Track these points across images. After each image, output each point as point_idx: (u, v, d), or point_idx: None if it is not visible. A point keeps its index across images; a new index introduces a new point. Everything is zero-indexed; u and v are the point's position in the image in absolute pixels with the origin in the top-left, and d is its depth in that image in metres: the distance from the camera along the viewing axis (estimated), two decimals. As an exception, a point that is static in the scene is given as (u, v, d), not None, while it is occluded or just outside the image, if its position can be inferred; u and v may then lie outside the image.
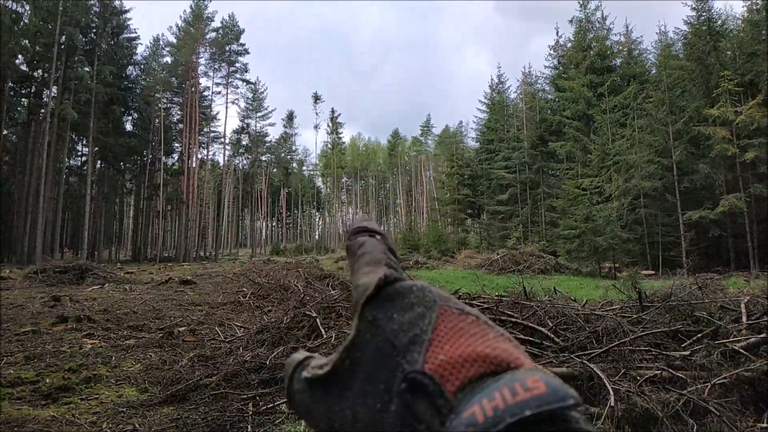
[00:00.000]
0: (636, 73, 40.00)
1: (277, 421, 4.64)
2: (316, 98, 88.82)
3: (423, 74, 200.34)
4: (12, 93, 43.84)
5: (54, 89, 43.30)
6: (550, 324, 6.86)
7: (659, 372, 5.06)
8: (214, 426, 4.58)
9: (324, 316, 7.02)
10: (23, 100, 46.73)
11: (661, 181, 29.09)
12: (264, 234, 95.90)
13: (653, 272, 26.18)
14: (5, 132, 44.76)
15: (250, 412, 4.82)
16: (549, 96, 50.51)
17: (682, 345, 6.08)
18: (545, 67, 55.99)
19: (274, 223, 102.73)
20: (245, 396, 5.22)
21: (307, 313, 7.12)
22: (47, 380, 6.00)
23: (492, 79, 71.18)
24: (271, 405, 4.93)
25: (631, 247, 28.13)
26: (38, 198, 39.84)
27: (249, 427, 4.52)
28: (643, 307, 7.46)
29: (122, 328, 9.82)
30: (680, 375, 5.05)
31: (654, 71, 39.29)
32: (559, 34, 71.84)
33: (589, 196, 29.85)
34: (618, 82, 39.15)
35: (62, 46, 42.87)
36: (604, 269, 26.40)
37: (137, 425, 4.62)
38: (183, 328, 9.50)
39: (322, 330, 6.47)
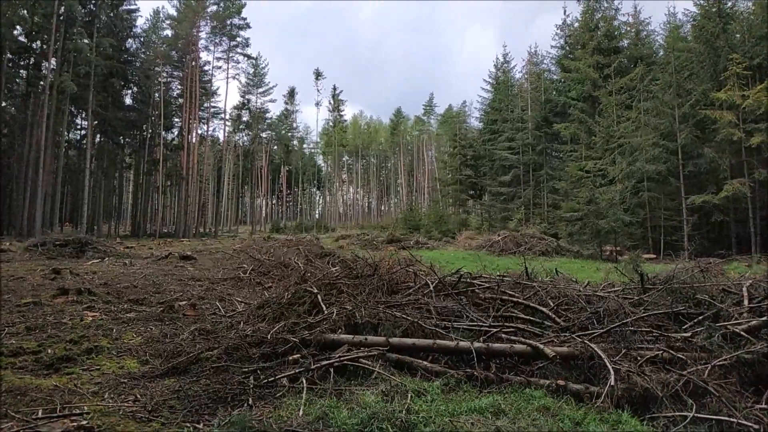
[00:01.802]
0: (643, 54, 39.49)
1: (278, 395, 4.65)
2: (318, 75, 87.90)
3: (426, 52, 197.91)
4: (10, 64, 43.35)
5: (53, 61, 42.80)
6: (551, 304, 6.88)
7: (660, 353, 5.07)
8: (215, 398, 4.60)
9: (325, 293, 7.02)
10: (22, 71, 46.24)
11: (666, 165, 28.93)
12: (264, 211, 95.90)
13: (654, 256, 26.22)
14: (4, 104, 44.40)
15: (251, 385, 4.83)
16: (554, 76, 49.99)
17: (683, 327, 6.10)
18: (551, 47, 55.28)
19: (274, 201, 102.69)
20: (246, 369, 5.23)
21: (308, 289, 7.12)
22: (49, 351, 6.01)
23: (497, 59, 70.34)
24: (272, 378, 4.95)
25: (633, 231, 28.10)
26: (38, 171, 39.69)
27: (250, 399, 4.53)
28: (644, 289, 7.47)
29: (123, 301, 9.84)
30: (681, 356, 5.07)
31: (661, 53, 38.82)
32: (567, 14, 70.97)
33: (592, 179, 29.72)
34: (625, 64, 38.66)
35: (61, 18, 42.22)
36: (606, 252, 26.45)
37: (138, 396, 4.64)
38: (183, 303, 9.52)
39: (324, 306, 6.48)
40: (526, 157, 46.80)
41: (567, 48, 47.02)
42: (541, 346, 5.19)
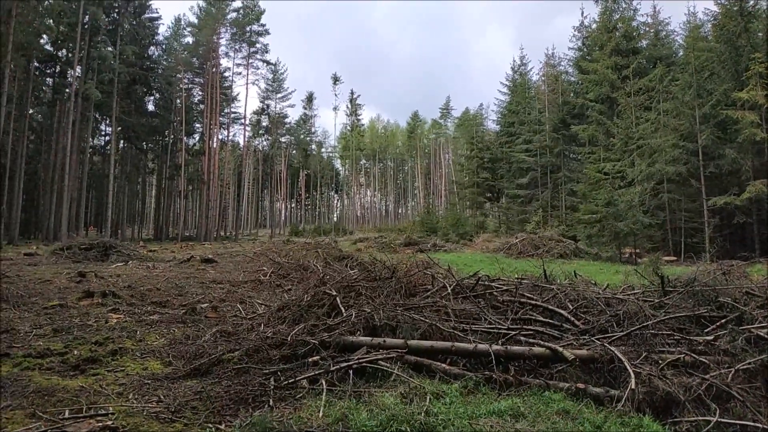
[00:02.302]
0: (662, 55, 38.93)
1: (298, 396, 4.71)
2: (335, 79, 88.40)
3: (442, 52, 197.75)
4: (37, 73, 44.43)
5: (78, 69, 43.77)
6: (570, 307, 6.83)
7: (681, 356, 5.02)
8: (236, 399, 4.67)
9: (344, 295, 7.08)
10: (48, 79, 47.38)
11: (686, 166, 28.46)
12: (283, 215, 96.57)
13: (675, 258, 25.79)
14: (31, 111, 45.45)
15: (272, 387, 4.90)
16: (572, 78, 49.52)
17: (706, 330, 6.01)
18: (569, 48, 54.99)
19: (293, 205, 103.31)
20: (267, 371, 5.31)
21: (327, 291, 7.19)
22: (75, 352, 6.16)
23: (514, 61, 70.22)
24: (293, 380, 5.01)
25: (653, 233, 27.67)
26: (63, 176, 40.57)
27: (270, 400, 4.59)
28: (665, 291, 7.38)
29: (146, 303, 10.02)
30: (703, 360, 5.01)
31: (681, 53, 38.21)
32: (584, 15, 70.16)
33: (611, 181, 29.34)
34: (644, 65, 38.13)
35: (85, 26, 43.20)
36: (625, 255, 26.09)
37: (162, 396, 4.73)
38: (205, 305, 9.66)
39: (342, 308, 6.53)
40: (543, 160, 46.43)
41: (585, 49, 46.56)
42: (561, 349, 5.17)
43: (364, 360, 5.22)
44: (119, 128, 51.38)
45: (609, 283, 10.64)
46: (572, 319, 6.47)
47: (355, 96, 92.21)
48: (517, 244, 28.74)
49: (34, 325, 7.73)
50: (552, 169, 46.07)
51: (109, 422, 4.01)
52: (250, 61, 65.18)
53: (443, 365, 5.24)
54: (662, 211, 29.63)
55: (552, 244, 27.75)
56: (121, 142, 55.85)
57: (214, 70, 59.26)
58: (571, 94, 47.37)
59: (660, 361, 4.96)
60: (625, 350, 5.21)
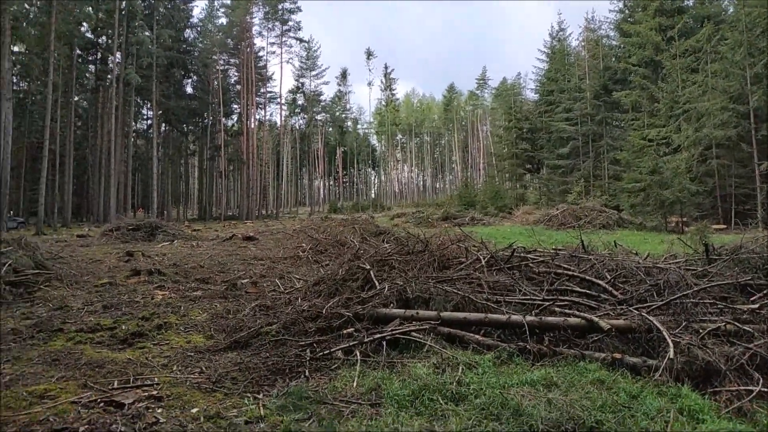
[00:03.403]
0: (710, 13, 36.84)
1: (333, 367, 4.82)
2: (369, 54, 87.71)
3: (478, 24, 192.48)
4: (80, 60, 45.81)
5: (118, 55, 44.89)
6: (608, 277, 6.70)
7: (723, 325, 4.86)
8: (274, 370, 4.82)
9: (378, 269, 7.15)
10: (90, 66, 48.80)
11: (736, 130, 27.11)
12: (322, 193, 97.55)
13: (724, 226, 24.82)
14: (76, 98, 47.03)
15: (308, 358, 5.03)
16: (613, 42, 47.66)
17: (751, 299, 5.80)
18: (610, 11, 52.68)
19: (331, 182, 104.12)
20: (303, 343, 5.44)
21: (361, 265, 7.27)
22: (123, 327, 6.47)
23: (552, 27, 67.85)
24: (327, 351, 5.12)
25: (701, 200, 26.65)
26: (110, 160, 42.03)
27: (306, 371, 4.72)
28: (709, 260, 7.15)
29: (190, 280, 10.38)
30: (747, 328, 4.85)
31: (731, 10, 36.10)
32: (626, -26, 67.07)
33: (655, 148, 28.27)
34: (690, 25, 36.24)
35: (123, 12, 44.11)
36: (671, 223, 25.27)
37: (204, 368, 4.92)
38: (246, 281, 9.93)
39: (376, 282, 6.60)
40: (584, 128, 45.09)
41: (626, 11, 44.58)
42: (596, 319, 5.09)
43: (398, 331, 5.28)
44: (160, 112, 52.67)
45: (652, 252, 10.36)
46: (610, 289, 6.34)
47: (389, 70, 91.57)
48: (558, 216, 28.21)
49: (85, 302, 8.14)
50: (594, 138, 44.74)
51: (155, 392, 4.22)
52: (284, 39, 65.36)
53: (476, 336, 5.25)
54: (711, 178, 28.45)
55: (594, 215, 27.13)
56: (163, 125, 57.29)
57: (248, 50, 59.70)
58: (613, 59, 45.64)
59: (700, 330, 4.83)
60: (664, 320, 5.09)
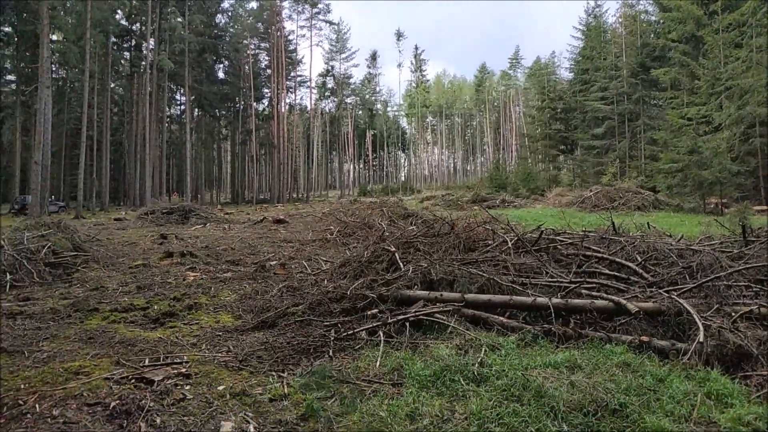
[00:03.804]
0: (757, -16, 35.08)
1: (357, 347, 4.87)
2: (399, 35, 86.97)
3: (512, 2, 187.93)
4: (115, 47, 46.74)
5: (151, 42, 45.60)
6: (638, 259, 6.55)
7: (757, 308, 4.70)
8: (299, 349, 4.89)
9: (403, 251, 7.15)
10: (125, 53, 49.76)
11: (781, 107, 25.93)
12: (352, 176, 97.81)
13: (767, 208, 23.90)
14: (112, 85, 48.12)
15: (332, 338, 5.09)
16: (652, 18, 45.89)
17: (790, 281, 5.59)
18: (649, -16, 50.46)
19: (361, 165, 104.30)
20: (327, 323, 5.51)
21: (386, 248, 7.29)
22: (155, 307, 6.67)
23: (587, 3, 65.77)
24: (351, 332, 5.18)
25: (742, 181, 25.66)
26: (145, 146, 43.00)
27: (330, 351, 4.78)
28: (746, 241, 6.91)
29: (221, 262, 10.60)
30: (783, 312, 4.67)
31: (779, -19, 34.24)
32: (667, -55, 64.29)
33: (694, 127, 27.27)
34: (734, -2, 34.62)
35: (156, -1, 44.70)
36: (710, 205, 24.47)
37: (231, 347, 5.04)
38: (274, 263, 10.08)
39: (401, 263, 6.61)
40: (620, 107, 43.80)
41: (667, -16, 42.74)
42: (624, 302, 4.99)
43: (421, 313, 5.29)
44: (192, 97, 53.43)
45: (688, 235, 10.07)
46: (640, 271, 6.20)
47: (419, 51, 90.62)
48: (591, 197, 27.64)
49: (120, 283, 8.41)
50: (630, 117, 43.45)
51: (183, 369, 4.35)
52: (313, 22, 65.30)
53: (501, 318, 5.22)
54: (753, 158, 27.32)
55: (629, 196, 26.46)
56: (196, 110, 58.16)
57: (278, 33, 59.85)
58: (651, 35, 44.00)
59: (733, 314, 4.69)
60: (695, 303, 4.95)
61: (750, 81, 27.08)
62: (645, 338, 4.57)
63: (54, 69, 41.86)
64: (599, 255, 6.84)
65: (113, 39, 44.78)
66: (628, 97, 43.26)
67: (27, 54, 39.18)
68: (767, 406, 3.41)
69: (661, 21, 42.02)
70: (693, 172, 23.83)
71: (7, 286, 7.89)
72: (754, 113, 26.54)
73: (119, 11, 44.81)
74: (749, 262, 6.07)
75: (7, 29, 38.68)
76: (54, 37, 39.09)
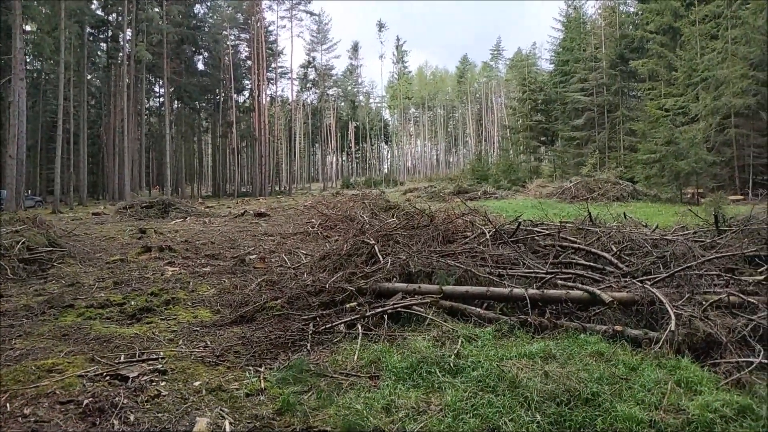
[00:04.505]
0: (732, -24, 35.56)
1: (335, 340, 4.88)
2: (380, 26, 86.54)
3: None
4: (91, 38, 45.78)
5: (128, 32, 44.76)
6: (614, 249, 6.66)
7: (726, 296, 4.81)
8: (277, 343, 4.89)
9: (382, 244, 7.16)
10: (102, 45, 48.78)
11: (755, 98, 26.37)
12: (335, 168, 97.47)
13: (742, 197, 24.40)
14: (89, 77, 47.18)
15: (310, 332, 5.09)
16: (630, 9, 46.37)
17: (759, 270, 5.72)
18: (628, -24, 50.84)
19: (344, 158, 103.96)
20: (306, 317, 5.51)
21: (366, 240, 7.29)
22: (132, 303, 6.59)
23: (568, -6, 65.96)
24: (330, 325, 5.18)
25: (718, 171, 26.15)
26: (123, 138, 42.31)
27: (308, 345, 4.78)
28: (719, 231, 7.04)
29: (200, 256, 10.51)
30: (751, 300, 4.79)
31: (754, -27, 34.75)
32: (646, -63, 64.82)
33: (672, 118, 27.66)
34: (711, -11, 35.04)
35: (132, -12, 43.84)
36: (687, 195, 24.90)
37: (209, 342, 5.01)
38: (254, 257, 10.03)
39: (380, 256, 6.62)
40: (600, 99, 44.23)
41: (645, -24, 43.13)
42: (598, 292, 5.07)
43: (399, 305, 5.32)
44: (172, 89, 52.66)
45: (665, 225, 10.23)
46: (615, 261, 6.30)
47: (401, 42, 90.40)
48: (571, 189, 27.95)
49: (97, 278, 8.29)
50: (609, 108, 43.91)
51: (159, 365, 4.31)
52: (294, 12, 64.72)
53: (478, 309, 5.27)
54: (729, 148, 27.83)
55: (608, 187, 26.82)
56: (175, 102, 57.34)
57: (258, 24, 59.18)
58: (630, 27, 44.43)
59: (703, 302, 4.79)
60: (668, 292, 5.04)
61: (725, 72, 27.52)
62: (618, 328, 4.65)
63: (28, 60, 40.92)
64: (576, 245, 6.93)
65: (89, 30, 43.86)
66: (607, 88, 43.69)
67: (-1, 45, 38.17)
68: (735, 393, 3.50)
69: (640, 12, 42.44)
70: (670, 163, 24.21)
71: (-20, 284, 7.74)
72: (729, 104, 26.99)
73: (95, 1, 43.89)
74: (721, 251, 6.19)
75: (-22, 19, 37.61)
76: (27, 28, 38.15)
